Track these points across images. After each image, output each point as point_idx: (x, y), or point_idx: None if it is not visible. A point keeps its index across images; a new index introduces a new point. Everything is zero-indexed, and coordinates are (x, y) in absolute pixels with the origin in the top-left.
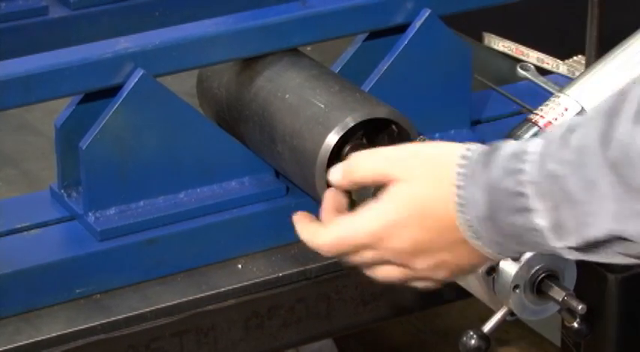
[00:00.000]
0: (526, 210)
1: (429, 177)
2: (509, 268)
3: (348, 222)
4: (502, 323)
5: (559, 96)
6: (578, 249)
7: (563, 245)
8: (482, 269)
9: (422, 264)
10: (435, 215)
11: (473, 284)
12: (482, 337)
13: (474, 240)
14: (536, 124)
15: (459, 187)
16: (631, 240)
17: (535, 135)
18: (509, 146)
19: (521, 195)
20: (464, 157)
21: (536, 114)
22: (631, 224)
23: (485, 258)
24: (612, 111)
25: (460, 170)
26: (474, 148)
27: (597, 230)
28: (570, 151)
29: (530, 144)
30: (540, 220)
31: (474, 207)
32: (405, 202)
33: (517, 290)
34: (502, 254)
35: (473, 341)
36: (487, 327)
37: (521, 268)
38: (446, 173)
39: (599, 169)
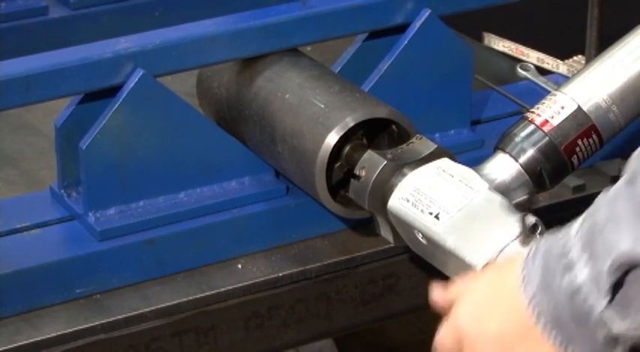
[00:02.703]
0: (570, 265)
1: (494, 275)
2: None
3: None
4: None
5: (556, 94)
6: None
7: (602, 300)
8: (479, 266)
9: None
10: (506, 301)
11: None
12: None
13: (542, 326)
14: (533, 122)
15: (522, 268)
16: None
17: (531, 133)
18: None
19: (567, 254)
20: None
21: (533, 113)
22: None
23: None
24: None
25: (524, 259)
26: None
27: (615, 255)
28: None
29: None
30: (582, 273)
31: (534, 276)
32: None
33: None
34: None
35: None
36: None
37: None
38: (512, 271)
39: (623, 202)
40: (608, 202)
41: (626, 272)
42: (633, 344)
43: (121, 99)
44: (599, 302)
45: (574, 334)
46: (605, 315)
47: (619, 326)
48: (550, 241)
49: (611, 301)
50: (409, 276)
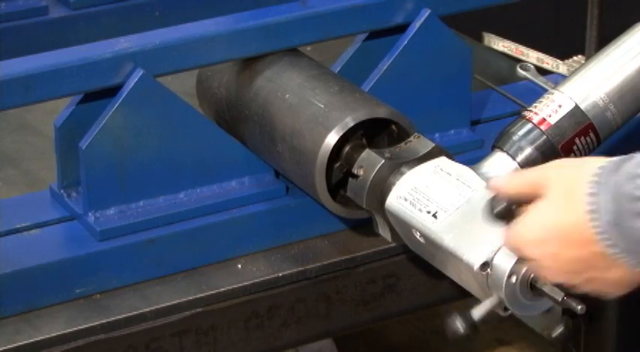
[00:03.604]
0: None
1: (565, 193)
2: (503, 263)
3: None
4: (490, 311)
5: (553, 93)
6: None
7: None
8: (476, 265)
9: (574, 280)
10: (573, 232)
11: (467, 280)
12: (469, 322)
13: (610, 248)
14: (530, 121)
15: (590, 194)
16: None
17: (529, 131)
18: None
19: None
20: (600, 167)
21: (531, 111)
22: None
23: (633, 273)
24: None
25: (594, 178)
26: (613, 159)
27: None
28: None
29: None
30: None
31: (605, 212)
32: (544, 224)
33: (511, 284)
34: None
35: (458, 324)
36: (476, 313)
37: (515, 264)
38: (581, 186)
39: None
40: None
41: None
42: None
43: (121, 99)
44: None
45: None
46: None
47: None
48: (620, 175)
49: None
50: (409, 276)
